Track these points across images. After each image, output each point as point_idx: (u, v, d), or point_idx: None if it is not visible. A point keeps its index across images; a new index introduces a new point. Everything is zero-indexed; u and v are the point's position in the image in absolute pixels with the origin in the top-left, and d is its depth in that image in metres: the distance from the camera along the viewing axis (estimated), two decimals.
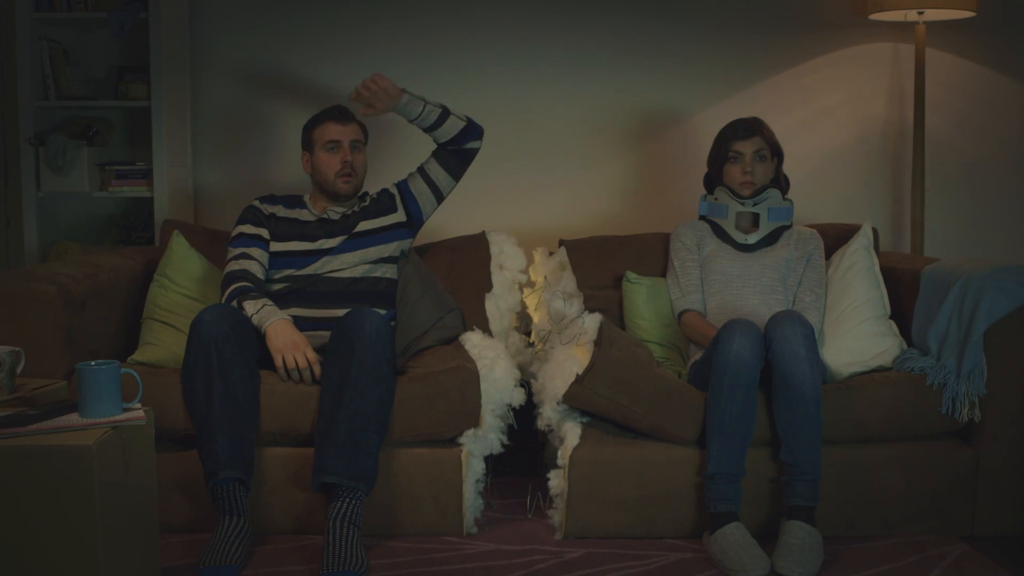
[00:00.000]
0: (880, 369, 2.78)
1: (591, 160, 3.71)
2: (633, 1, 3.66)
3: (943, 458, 2.66)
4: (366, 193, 3.09)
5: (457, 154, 3.05)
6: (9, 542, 1.94)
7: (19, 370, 2.40)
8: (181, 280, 2.99)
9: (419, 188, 3.07)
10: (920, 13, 3.44)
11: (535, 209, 3.68)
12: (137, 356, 2.80)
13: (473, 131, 3.04)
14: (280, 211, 3.00)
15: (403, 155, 3.50)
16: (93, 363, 2.09)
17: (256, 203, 3.03)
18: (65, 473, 1.93)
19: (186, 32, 3.61)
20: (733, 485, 2.50)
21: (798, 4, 3.68)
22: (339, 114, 2.99)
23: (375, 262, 2.95)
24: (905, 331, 2.89)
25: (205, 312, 2.56)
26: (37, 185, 3.50)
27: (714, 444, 2.51)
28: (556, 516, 2.65)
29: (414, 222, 3.08)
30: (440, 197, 3.09)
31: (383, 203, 3.05)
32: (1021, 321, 2.62)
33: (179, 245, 3.04)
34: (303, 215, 3.00)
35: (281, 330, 2.64)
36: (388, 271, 2.98)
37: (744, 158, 2.96)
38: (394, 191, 3.09)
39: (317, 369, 2.61)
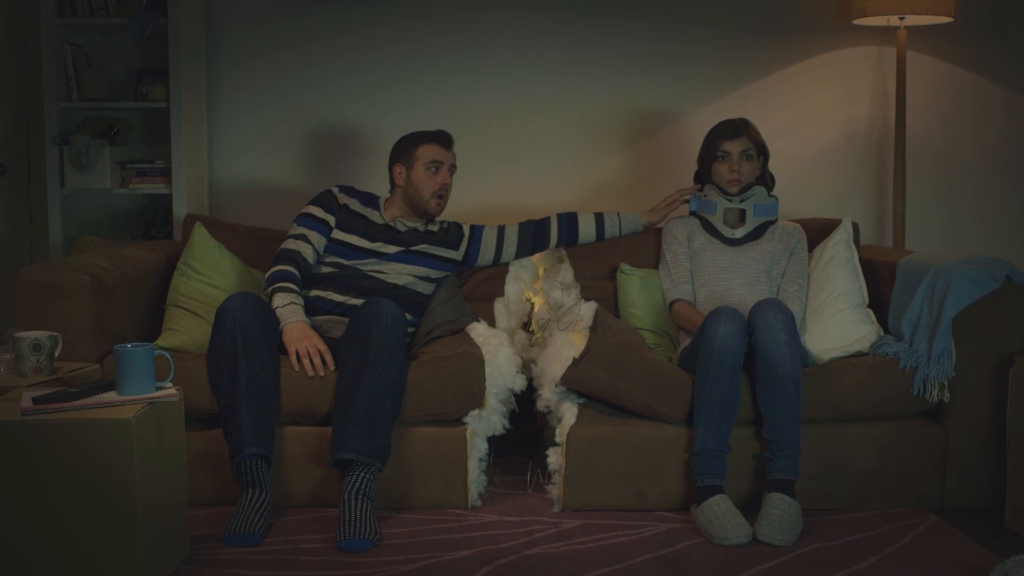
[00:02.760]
0: (858, 354, 2.93)
1: (588, 159, 3.83)
2: (627, 6, 3.78)
3: (915, 436, 2.82)
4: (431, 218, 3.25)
5: (539, 242, 3.26)
6: (57, 507, 2.11)
7: (57, 353, 2.58)
8: (203, 269, 3.13)
9: (487, 243, 3.25)
10: (901, 18, 3.58)
11: (536, 205, 3.79)
12: (160, 341, 2.95)
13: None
14: (354, 204, 3.16)
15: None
16: (129, 345, 2.26)
17: (334, 190, 3.18)
18: (107, 444, 2.11)
19: (203, 36, 3.74)
20: (719, 460, 2.66)
21: (785, 10, 3.80)
22: (445, 138, 3.15)
23: (420, 278, 3.12)
24: (884, 320, 3.05)
25: (231, 299, 2.72)
26: (61, 183, 3.64)
27: (701, 423, 2.67)
28: (554, 490, 2.81)
29: (465, 264, 3.27)
30: (496, 262, 3.28)
31: (451, 237, 3.22)
32: (987, 309, 2.77)
33: (201, 236, 3.18)
34: (374, 216, 3.16)
35: (297, 327, 2.81)
36: (427, 288, 3.15)
37: (731, 157, 3.11)
38: (465, 232, 3.26)
39: (329, 359, 2.77)
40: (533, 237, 3.27)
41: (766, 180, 3.20)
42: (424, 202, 3.13)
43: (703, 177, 3.23)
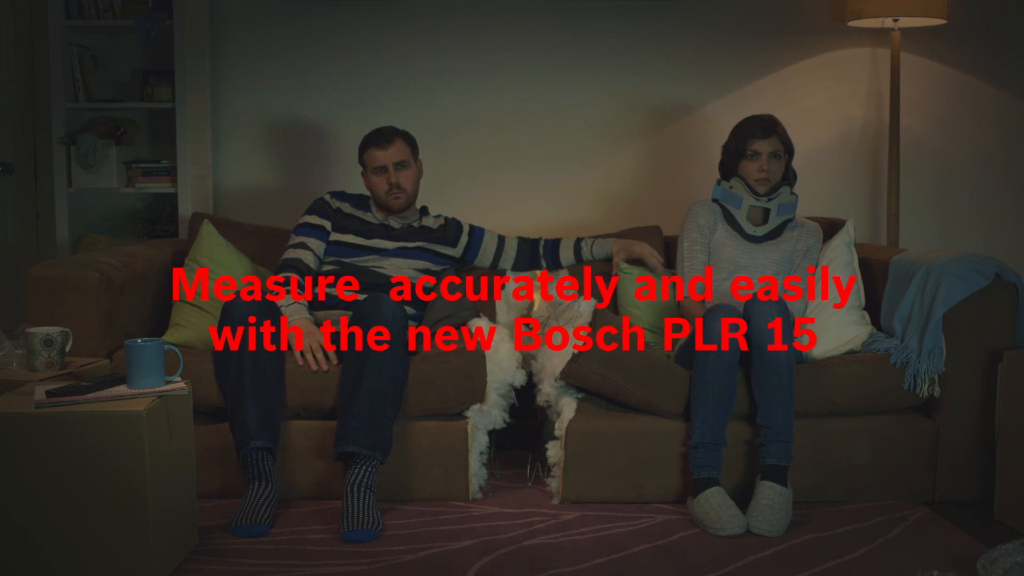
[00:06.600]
0: (850, 352, 2.97)
1: (590, 159, 3.88)
2: (625, 8, 3.82)
3: (906, 430, 2.87)
4: (426, 209, 3.31)
5: (534, 261, 3.36)
6: (70, 497, 2.17)
7: (67, 348, 2.64)
8: (209, 265, 3.17)
9: (487, 248, 3.33)
10: (895, 20, 3.64)
11: (538, 204, 3.87)
12: (167, 337, 3.00)
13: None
14: (346, 207, 3.24)
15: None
16: (140, 340, 2.32)
17: (326, 196, 3.25)
18: (119, 436, 2.17)
19: (207, 38, 3.80)
20: (715, 454, 2.71)
21: (781, 12, 3.86)
22: (379, 139, 3.18)
23: (420, 271, 3.19)
24: (877, 316, 3.08)
25: (237, 296, 2.79)
26: (68, 182, 3.69)
27: (698, 417, 2.73)
28: (554, 483, 2.87)
29: (463, 263, 3.35)
30: (493, 267, 3.36)
31: (449, 234, 3.29)
32: (977, 305, 2.82)
33: (208, 233, 3.23)
34: (367, 216, 3.24)
35: (300, 323, 2.86)
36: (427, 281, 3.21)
37: (761, 157, 3.08)
38: (465, 231, 3.33)
39: (332, 355, 2.82)
40: (529, 256, 3.36)
41: (789, 177, 3.18)
42: (384, 202, 3.21)
43: (727, 169, 3.20)
